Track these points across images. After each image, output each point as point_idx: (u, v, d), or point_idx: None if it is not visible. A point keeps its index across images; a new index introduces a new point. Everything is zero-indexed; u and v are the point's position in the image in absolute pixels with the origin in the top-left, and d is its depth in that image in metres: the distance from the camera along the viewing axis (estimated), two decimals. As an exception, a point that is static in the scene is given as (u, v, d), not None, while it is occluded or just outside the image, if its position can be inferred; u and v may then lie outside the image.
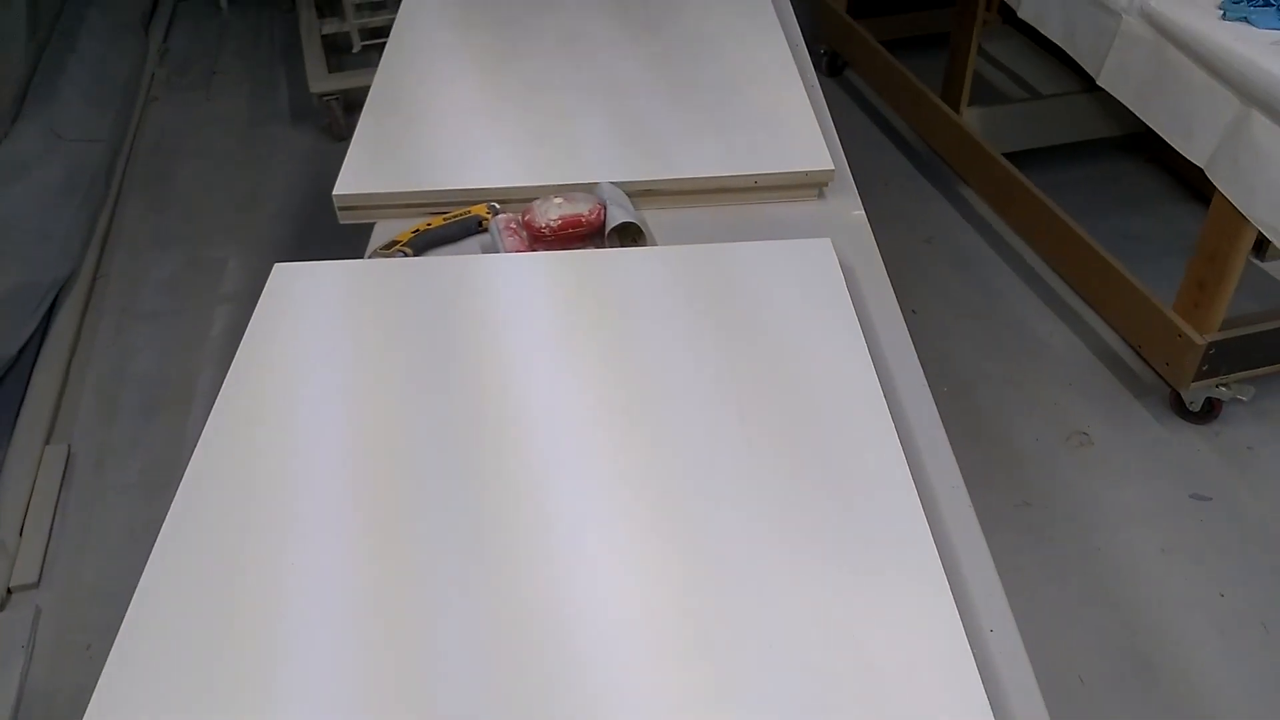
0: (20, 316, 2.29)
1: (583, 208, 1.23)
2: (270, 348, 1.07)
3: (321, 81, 3.14)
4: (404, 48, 1.65)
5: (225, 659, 0.76)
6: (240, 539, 0.85)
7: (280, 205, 2.87)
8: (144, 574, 0.83)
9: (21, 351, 2.29)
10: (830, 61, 3.31)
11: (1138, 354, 2.10)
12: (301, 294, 1.15)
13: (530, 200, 1.26)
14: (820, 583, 0.80)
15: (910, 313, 2.35)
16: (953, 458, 1.02)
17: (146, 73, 3.56)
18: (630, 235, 1.25)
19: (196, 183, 3.01)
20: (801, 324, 1.06)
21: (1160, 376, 2.03)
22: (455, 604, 0.79)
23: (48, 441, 2.15)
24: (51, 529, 1.97)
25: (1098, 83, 1.94)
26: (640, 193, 1.31)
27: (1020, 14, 2.15)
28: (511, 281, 1.14)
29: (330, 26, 3.40)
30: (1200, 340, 1.86)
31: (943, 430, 1.06)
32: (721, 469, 0.90)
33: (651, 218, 1.30)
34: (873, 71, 3.01)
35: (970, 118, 2.59)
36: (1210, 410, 2.00)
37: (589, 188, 1.29)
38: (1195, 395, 1.98)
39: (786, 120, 1.40)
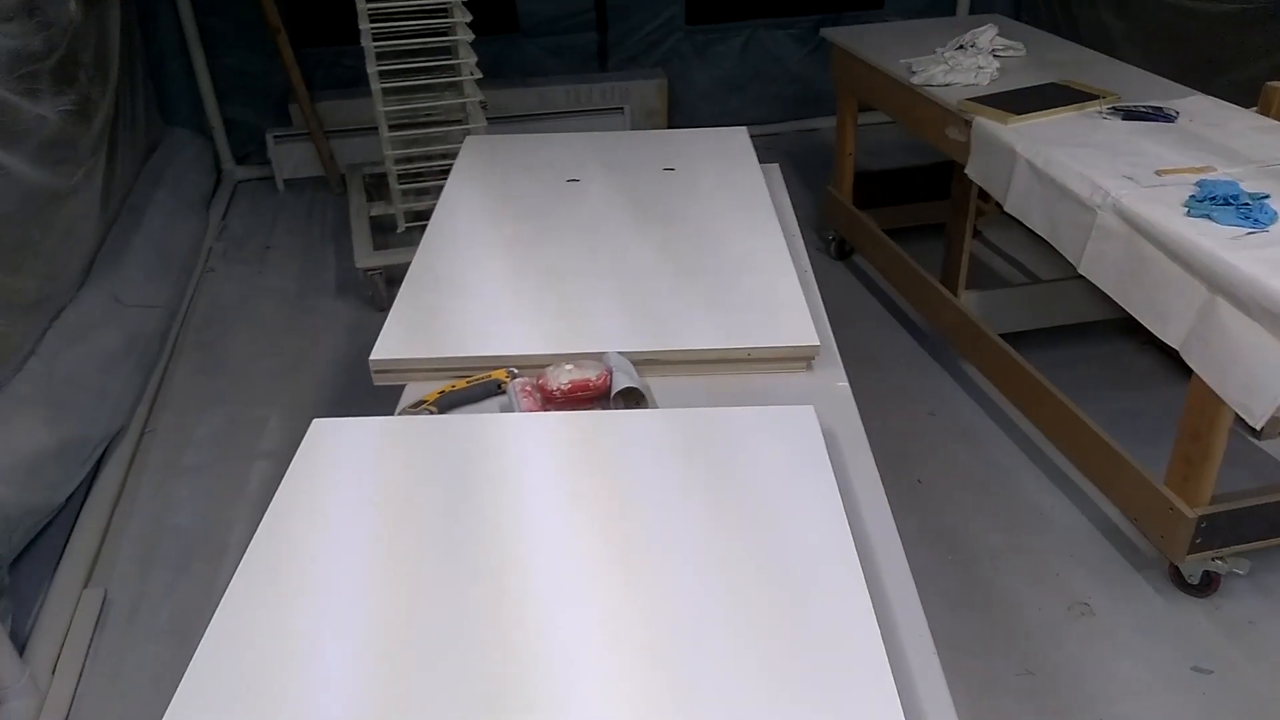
0: (70, 469, 2.44)
1: (591, 373, 1.37)
2: (304, 495, 1.19)
3: (367, 258, 3.38)
4: (442, 231, 1.84)
5: None
6: (259, 690, 0.93)
7: (322, 370, 3.05)
8: None
9: (68, 501, 2.43)
10: (839, 246, 3.52)
11: (1137, 528, 2.16)
12: (336, 446, 1.28)
13: (545, 367, 1.40)
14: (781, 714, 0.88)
15: (915, 483, 2.44)
16: (923, 617, 1.08)
17: (205, 247, 3.85)
18: (633, 399, 1.38)
19: (245, 348, 3.21)
20: (783, 482, 1.17)
21: (1158, 549, 2.08)
22: (453, 708, 0.88)
23: (86, 585, 2.25)
24: (82, 671, 2.05)
25: (1079, 270, 2.09)
26: (644, 362, 1.45)
27: (1006, 208, 2.33)
28: (524, 438, 1.27)
29: (378, 209, 3.68)
30: (1191, 514, 1.93)
31: (914, 586, 1.13)
32: (704, 611, 0.99)
33: (654, 384, 1.44)
34: (878, 256, 3.20)
35: (968, 300, 2.75)
36: (1209, 583, 2.04)
37: (598, 356, 1.42)
38: (1192, 568, 2.03)
39: (778, 301, 1.55)
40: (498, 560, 1.06)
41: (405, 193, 3.51)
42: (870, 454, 1.33)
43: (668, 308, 1.54)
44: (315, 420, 1.33)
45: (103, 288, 3.05)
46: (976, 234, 3.53)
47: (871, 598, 1.01)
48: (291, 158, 4.41)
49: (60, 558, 2.31)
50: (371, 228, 3.59)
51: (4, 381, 2.45)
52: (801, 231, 1.91)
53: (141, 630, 2.14)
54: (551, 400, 1.37)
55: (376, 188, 3.87)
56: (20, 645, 2.03)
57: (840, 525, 1.11)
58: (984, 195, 2.87)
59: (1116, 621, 2.02)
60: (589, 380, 1.37)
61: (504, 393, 1.42)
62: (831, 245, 3.54)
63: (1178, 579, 2.07)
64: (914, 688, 0.99)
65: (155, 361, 3.07)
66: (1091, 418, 2.22)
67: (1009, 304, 2.81)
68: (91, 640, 2.13)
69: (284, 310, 3.42)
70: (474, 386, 1.43)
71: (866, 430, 1.34)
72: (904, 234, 3.15)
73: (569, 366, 1.38)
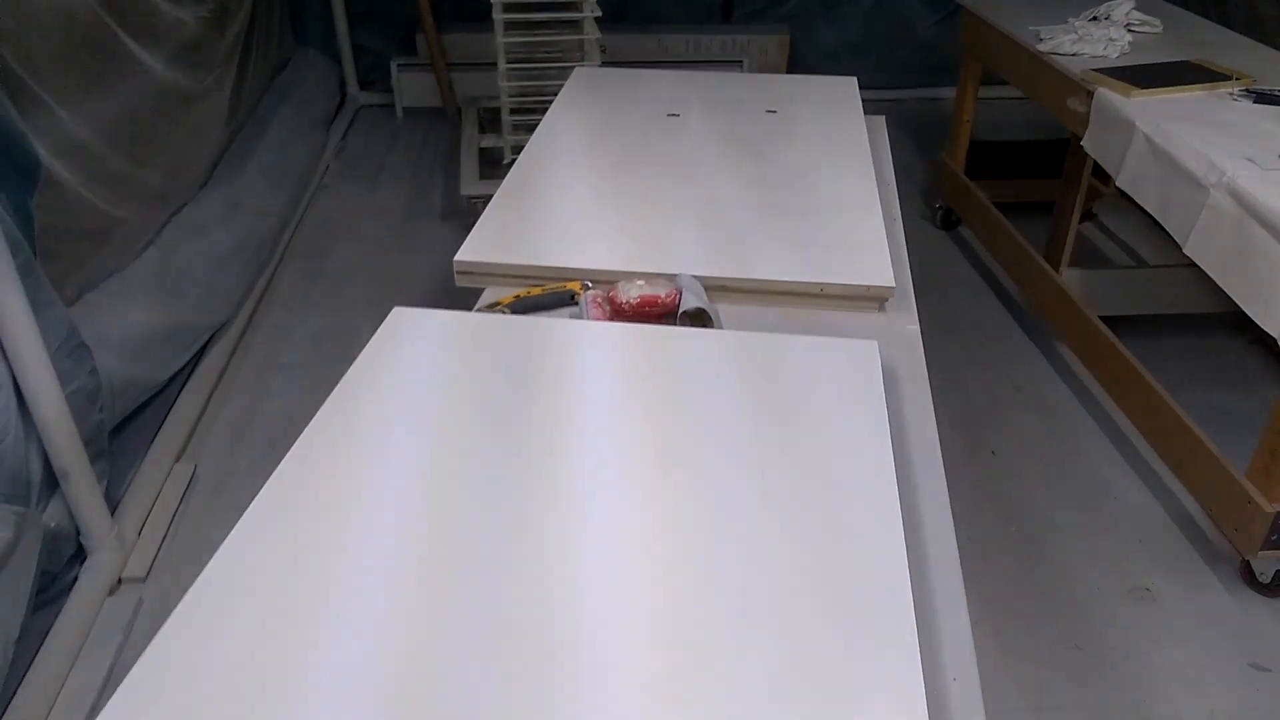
0: (174, 351, 2.58)
1: (660, 290, 1.39)
2: (374, 374, 1.25)
3: (472, 186, 3.46)
4: (540, 150, 1.88)
5: (267, 651, 0.89)
6: (303, 553, 0.98)
7: (417, 286, 3.15)
8: (206, 567, 0.97)
9: (170, 382, 2.57)
10: (945, 216, 3.45)
11: (1211, 519, 2.10)
12: (411, 334, 1.34)
13: (618, 283, 1.43)
14: (800, 626, 0.90)
15: (989, 453, 2.40)
16: (956, 556, 1.08)
17: (322, 164, 3.98)
18: (701, 320, 1.40)
19: (349, 261, 3.33)
20: (835, 410, 1.18)
21: (1231, 544, 2.02)
22: (490, 584, 0.93)
23: (178, 460, 2.39)
24: (166, 534, 2.19)
25: (1184, 250, 2.02)
26: (716, 288, 1.46)
27: (1118, 183, 2.26)
28: (589, 344, 1.30)
29: (488, 141, 3.75)
30: (1270, 508, 1.86)
31: (952, 527, 1.13)
32: (739, 519, 1.01)
33: (723, 311, 1.45)
34: (983, 228, 3.13)
35: (1070, 278, 2.68)
36: (1280, 584, 1.98)
37: (671, 277, 1.45)
38: (1265, 565, 1.96)
39: (859, 241, 1.55)
40: (549, 455, 1.10)
41: (516, 126, 3.57)
42: (930, 399, 1.32)
43: (746, 238, 1.55)
44: (396, 308, 1.39)
45: (223, 190, 3.19)
46: (1091, 216, 3.42)
47: (908, 533, 1.01)
48: (413, 87, 4.52)
49: (157, 432, 2.45)
50: (480, 159, 3.67)
51: (123, 266, 2.61)
52: (909, 199, 1.89)
53: (225, 503, 2.27)
54: (620, 313, 1.40)
55: (490, 121, 3.94)
56: (112, 506, 2.18)
57: (885, 459, 1.11)
58: (1102, 176, 2.79)
59: (1176, 610, 1.98)
60: (658, 297, 1.39)
61: (576, 303, 1.46)
62: (938, 215, 3.48)
63: (1248, 576, 2.01)
64: (935, 617, 0.99)
65: (264, 264, 3.22)
66: (1182, 409, 2.15)
67: (1111, 285, 2.73)
68: (177, 509, 2.27)
69: (389, 229, 3.53)
70: (548, 295, 1.47)
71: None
72: (1013, 210, 3.08)
73: (640, 282, 1.41)
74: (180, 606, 0.93)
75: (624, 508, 1.03)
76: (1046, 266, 2.70)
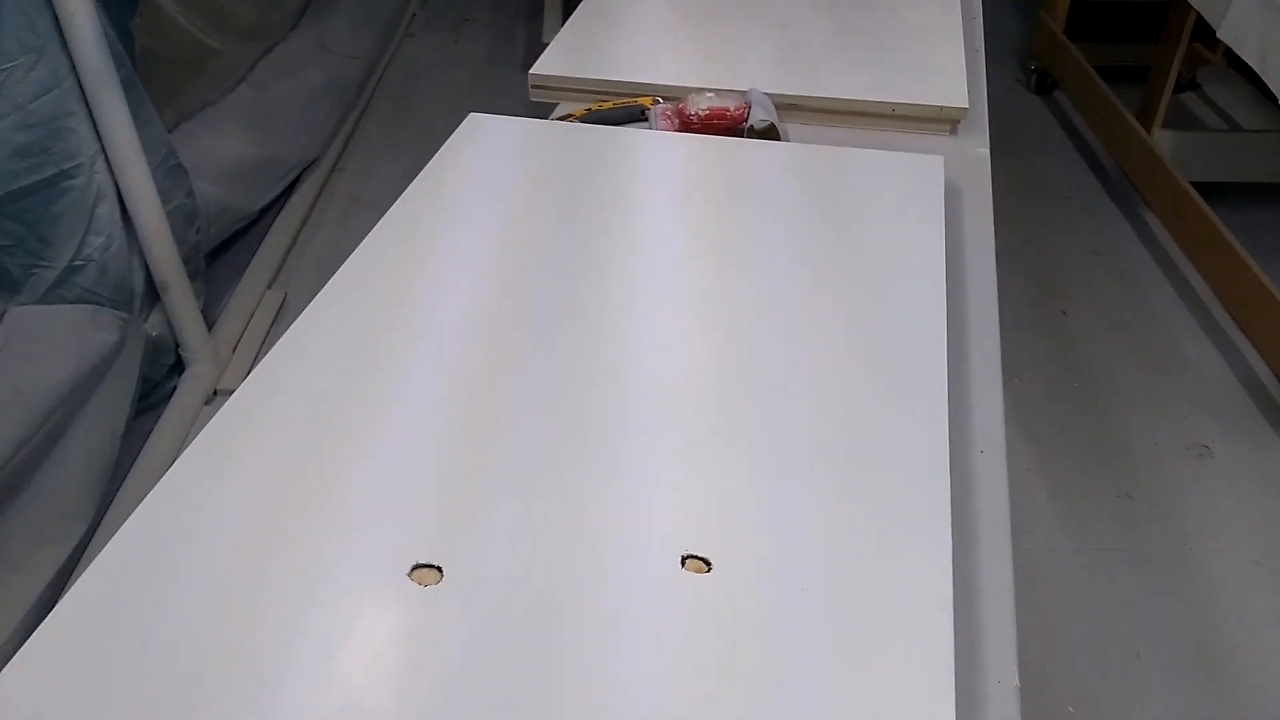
0: (267, 182, 2.69)
1: (729, 103, 1.41)
2: (446, 175, 1.30)
3: (554, 33, 3.43)
4: (618, -25, 1.88)
5: (352, 389, 0.98)
6: (363, 339, 1.03)
7: (498, 134, 3.19)
8: (271, 351, 1.04)
9: (263, 212, 2.68)
10: (1040, 79, 3.34)
11: (1281, 383, 2.08)
12: (485, 139, 1.38)
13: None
14: (838, 397, 0.95)
15: (1060, 313, 2.39)
16: (998, 346, 1.11)
17: (408, 12, 4.00)
18: (770, 135, 1.42)
19: (433, 106, 3.38)
20: (893, 219, 1.20)
21: (1299, 407, 2.01)
22: (551, 353, 0.99)
23: (270, 286, 2.52)
24: (259, 352, 2.32)
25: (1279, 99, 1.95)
26: (786, 106, 1.47)
27: (1219, 34, 2.16)
28: (655, 153, 1.34)
29: (572, -10, 3.72)
30: (1341, 369, 1.84)
31: (998, 340, 1.14)
32: (787, 305, 1.05)
33: (793, 130, 1.47)
34: (1078, 91, 3.03)
35: (1161, 139, 2.60)
36: (1346, 448, 1.96)
37: (740, 93, 1.46)
38: (1331, 429, 1.95)
39: (935, 63, 1.53)
40: (613, 250, 1.14)
41: (601, -26, 3.52)
42: (991, 223, 1.33)
43: (821, 58, 1.55)
44: (471, 114, 1.44)
45: (313, 31, 3.25)
46: (1195, 85, 3.28)
47: (951, 324, 1.04)
48: (499, -63, 4.47)
49: (250, 260, 2.58)
50: (562, 7, 3.64)
51: (218, 99, 2.70)
52: (1003, 63, 1.84)
53: (312, 326, 2.39)
54: (689, 126, 1.43)
55: (575, -28, 3.89)
56: (209, 325, 2.31)
57: (937, 264, 1.13)
58: (1210, 43, 2.67)
59: (1233, 467, 1.98)
60: (727, 110, 1.41)
61: (646, 119, 1.48)
62: (1033, 78, 3.36)
63: (1314, 439, 2.00)
64: (969, 399, 1.03)
65: (351, 107, 3.28)
66: (1269, 279, 2.11)
67: (1205, 149, 2.64)
68: (269, 330, 2.40)
69: (472, 76, 3.56)
70: (619, 109, 1.50)
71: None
72: (1114, 75, 2.96)
73: (710, 94, 1.43)
74: (265, 361, 1.01)
75: (681, 294, 1.08)
76: (1138, 126, 2.62)
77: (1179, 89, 3.03)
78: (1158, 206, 2.58)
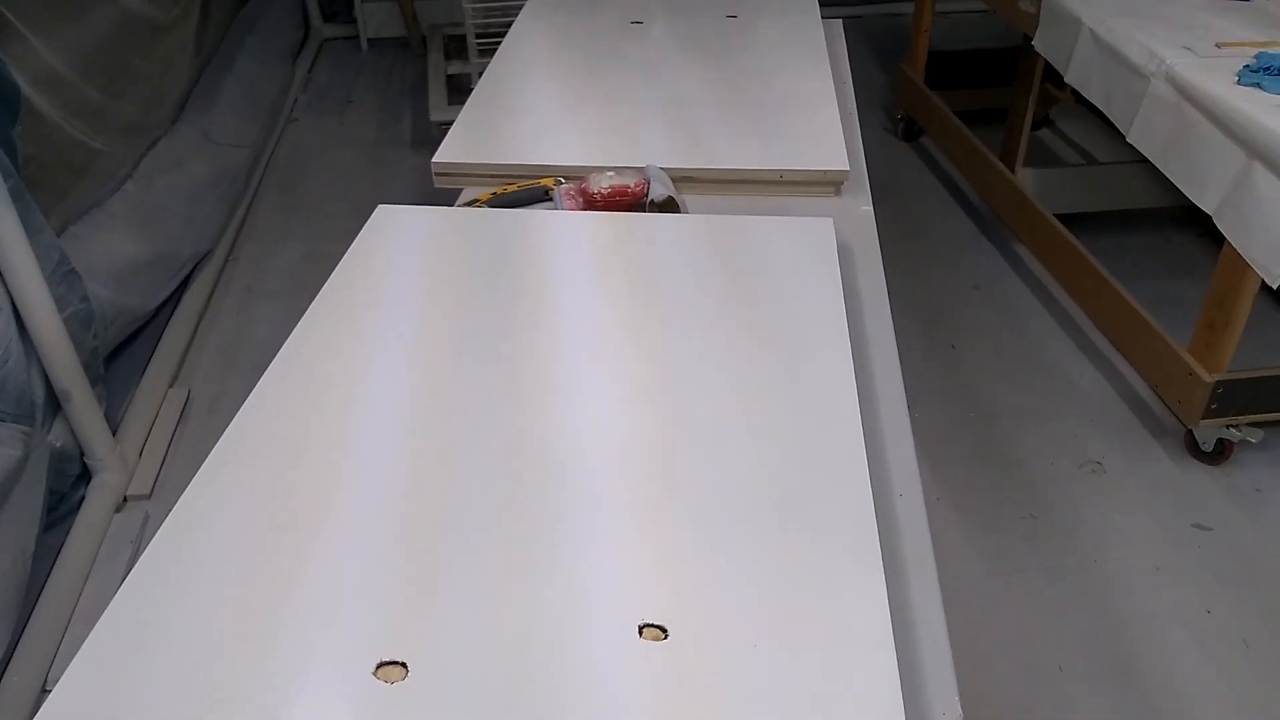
0: (161, 279, 2.65)
1: (629, 180, 1.48)
2: (361, 270, 1.33)
3: (442, 112, 3.50)
4: (508, 58, 1.94)
5: (289, 500, 1.00)
6: (300, 437, 1.08)
7: (392, 213, 3.20)
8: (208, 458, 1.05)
9: (159, 309, 2.64)
10: (906, 127, 3.53)
11: (1157, 395, 2.23)
12: (395, 230, 1.42)
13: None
14: (763, 461, 1.00)
15: (950, 347, 2.52)
16: (905, 403, 1.18)
17: (291, 97, 4.00)
18: (669, 208, 1.49)
19: (323, 190, 3.38)
20: (794, 282, 1.27)
21: (1175, 416, 2.15)
22: (486, 438, 1.03)
23: (172, 385, 2.47)
24: (166, 454, 2.27)
25: (1128, 139, 2.12)
26: (682, 178, 1.55)
27: (1067, 78, 2.35)
28: (565, 233, 1.39)
29: (455, 67, 3.78)
30: (1208, 378, 1.99)
31: (902, 382, 1.22)
32: (705, 375, 1.11)
33: (689, 201, 1.54)
34: (943, 135, 3.22)
35: (1025, 177, 2.78)
36: (1221, 451, 2.11)
37: (638, 169, 1.53)
38: (1206, 435, 2.10)
39: (815, 130, 1.63)
40: (533, 330, 1.19)
41: (482, 51, 3.59)
42: (883, 273, 1.42)
43: (709, 131, 1.63)
44: (380, 206, 1.47)
45: (195, 123, 3.22)
46: (1048, 122, 3.51)
47: (860, 378, 1.11)
48: (376, 17, 4.52)
49: (149, 359, 2.53)
50: (447, 86, 3.70)
51: (103, 199, 2.65)
52: (871, 112, 1.96)
53: (219, 424, 2.30)
54: (592, 204, 1.49)
55: (455, 48, 3.96)
56: (112, 429, 2.26)
57: (839, 319, 1.21)
58: (1059, 82, 2.87)
59: (1126, 480, 2.11)
60: (628, 186, 1.48)
61: (550, 199, 1.54)
62: (900, 126, 3.56)
63: (1192, 446, 2.14)
64: (884, 448, 1.10)
65: (240, 196, 3.26)
66: (1130, 295, 2.27)
67: (1065, 183, 2.83)
68: (175, 430, 2.35)
69: (361, 158, 3.58)
70: (523, 191, 1.55)
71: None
72: (973, 118, 3.15)
73: (610, 173, 1.49)
74: (203, 469, 1.01)
75: (603, 370, 1.13)
76: (1002, 167, 2.80)
77: (1034, 126, 3.25)
78: (1027, 239, 2.75)
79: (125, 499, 2.17)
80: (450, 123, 3.51)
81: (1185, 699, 1.69)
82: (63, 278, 2.11)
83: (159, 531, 0.92)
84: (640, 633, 0.83)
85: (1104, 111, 2.23)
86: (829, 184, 1.55)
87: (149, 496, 2.17)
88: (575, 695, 0.77)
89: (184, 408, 2.42)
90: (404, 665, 0.80)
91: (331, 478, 0.98)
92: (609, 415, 1.06)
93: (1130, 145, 2.17)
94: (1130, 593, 1.87)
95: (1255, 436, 2.06)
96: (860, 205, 1.55)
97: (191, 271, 2.83)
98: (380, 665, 0.80)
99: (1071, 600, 1.86)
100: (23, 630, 1.83)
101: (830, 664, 0.79)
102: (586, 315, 1.22)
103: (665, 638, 0.82)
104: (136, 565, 0.89)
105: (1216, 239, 2.85)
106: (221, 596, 0.86)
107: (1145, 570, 1.92)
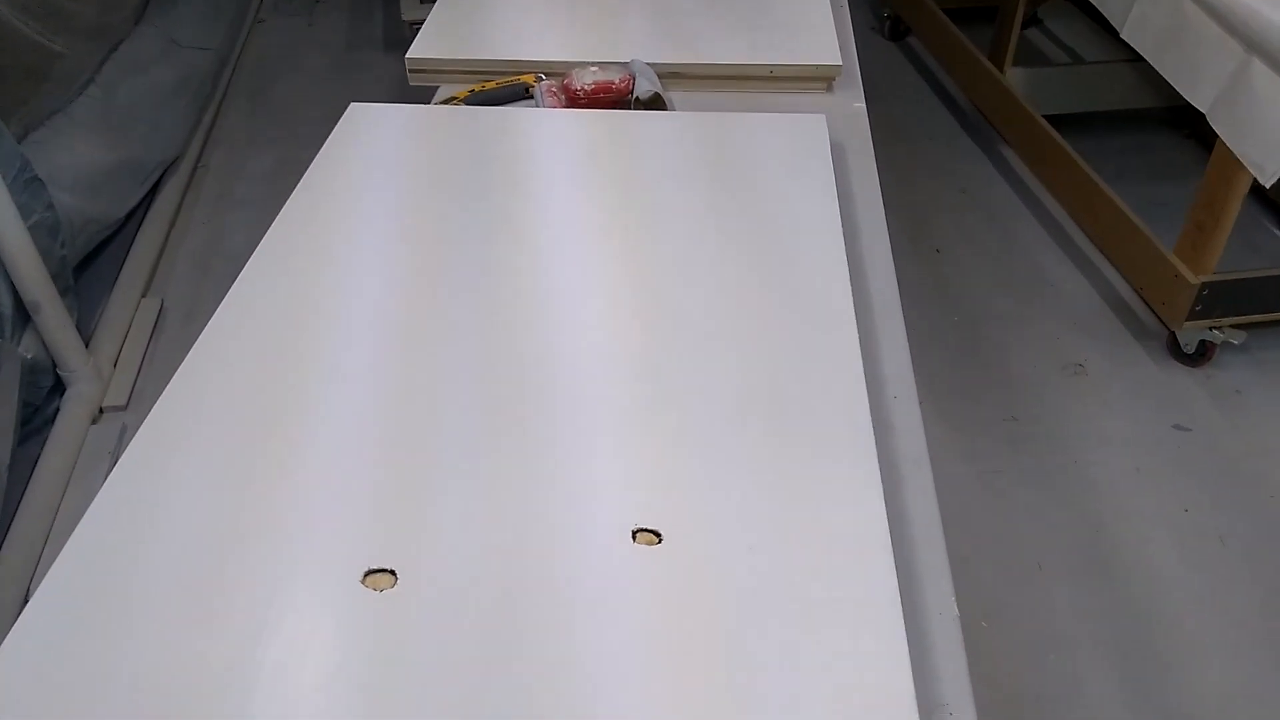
0: (127, 187, 2.57)
1: (614, 76, 1.43)
2: (336, 170, 1.28)
3: (414, 10, 3.37)
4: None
5: (267, 404, 0.97)
6: (278, 341, 1.02)
7: (366, 118, 3.11)
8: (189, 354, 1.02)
9: (128, 218, 2.57)
10: (893, 26, 3.45)
11: (1141, 298, 2.23)
12: (369, 129, 1.36)
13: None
14: (757, 358, 0.98)
15: (934, 251, 2.50)
16: (896, 287, 1.16)
17: (256, -2, 3.85)
18: (655, 105, 1.44)
19: (293, 95, 3.27)
20: (786, 179, 1.24)
21: (1159, 319, 2.15)
22: (470, 340, 1.00)
23: (144, 295, 2.42)
24: (141, 365, 2.24)
25: (1121, 35, 2.07)
26: (669, 74, 1.50)
27: (1060, -27, 2.28)
28: (546, 131, 1.34)
29: (427, -37, 3.64)
30: (1194, 280, 1.98)
31: (892, 267, 1.19)
32: (697, 273, 1.08)
33: (676, 98, 1.49)
34: (930, 34, 3.14)
35: (1013, 77, 2.72)
36: (1203, 353, 2.12)
37: (623, 64, 1.48)
38: (1189, 337, 2.10)
39: (806, 23, 1.58)
40: (515, 237, 1.15)
41: (454, -54, 3.46)
42: (876, 171, 1.39)
43: (697, 24, 1.57)
44: (352, 104, 1.42)
45: (158, 25, 3.09)
46: (1036, 21, 3.43)
47: (852, 273, 1.09)
48: (342, -88, 4.32)
49: (120, 269, 2.47)
50: (420, -17, 3.57)
51: (66, 104, 2.55)
52: (857, 10, 1.88)
53: (194, 334, 2.27)
54: (575, 101, 1.43)
55: (426, -56, 3.81)
56: (85, 341, 2.21)
57: (832, 217, 1.18)
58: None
59: (1107, 382, 2.12)
60: (612, 83, 1.42)
61: (531, 96, 1.48)
62: (886, 25, 3.47)
63: (1174, 348, 2.15)
64: (878, 348, 1.08)
65: (208, 101, 3.15)
66: (1120, 200, 2.24)
67: (1054, 83, 2.78)
68: (150, 341, 2.31)
69: (331, 61, 3.46)
70: (502, 88, 1.49)
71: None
72: (961, 17, 3.08)
73: (594, 69, 1.44)
74: (179, 373, 0.99)
75: (589, 272, 1.10)
76: (991, 67, 2.74)
77: (1023, 25, 3.17)
78: (1014, 141, 2.71)
79: (101, 410, 2.14)
80: (423, 22, 3.40)
81: (1162, 595, 1.72)
82: (25, 185, 2.04)
83: (134, 438, 0.90)
84: (634, 537, 0.81)
85: (1098, 7, 2.17)
86: (821, 80, 1.51)
87: (125, 408, 2.14)
88: (568, 601, 0.76)
89: (158, 318, 2.37)
90: (393, 573, 0.79)
91: (310, 385, 0.96)
92: (597, 318, 1.04)
93: (1120, 45, 2.12)
94: (1110, 493, 1.89)
95: (1238, 338, 2.06)
96: (853, 102, 1.50)
97: (160, 179, 2.75)
98: (368, 573, 0.79)
99: (1051, 501, 1.88)
100: (1, 543, 1.81)
101: (827, 566, 0.78)
102: (571, 216, 1.19)
103: (659, 542, 0.81)
104: (112, 473, 0.86)
105: (1204, 142, 2.83)
106: (200, 504, 0.84)
107: (1125, 471, 1.94)
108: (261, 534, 0.81)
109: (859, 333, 1.00)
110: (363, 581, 0.78)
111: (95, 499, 0.84)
